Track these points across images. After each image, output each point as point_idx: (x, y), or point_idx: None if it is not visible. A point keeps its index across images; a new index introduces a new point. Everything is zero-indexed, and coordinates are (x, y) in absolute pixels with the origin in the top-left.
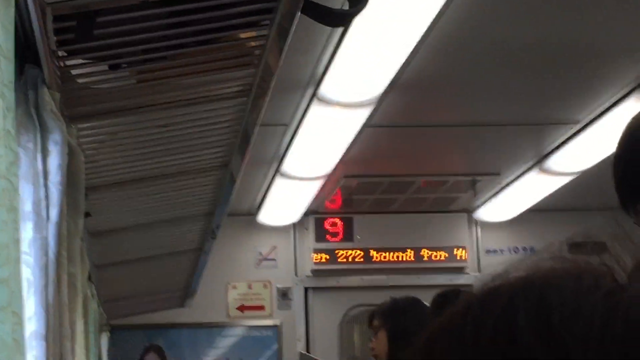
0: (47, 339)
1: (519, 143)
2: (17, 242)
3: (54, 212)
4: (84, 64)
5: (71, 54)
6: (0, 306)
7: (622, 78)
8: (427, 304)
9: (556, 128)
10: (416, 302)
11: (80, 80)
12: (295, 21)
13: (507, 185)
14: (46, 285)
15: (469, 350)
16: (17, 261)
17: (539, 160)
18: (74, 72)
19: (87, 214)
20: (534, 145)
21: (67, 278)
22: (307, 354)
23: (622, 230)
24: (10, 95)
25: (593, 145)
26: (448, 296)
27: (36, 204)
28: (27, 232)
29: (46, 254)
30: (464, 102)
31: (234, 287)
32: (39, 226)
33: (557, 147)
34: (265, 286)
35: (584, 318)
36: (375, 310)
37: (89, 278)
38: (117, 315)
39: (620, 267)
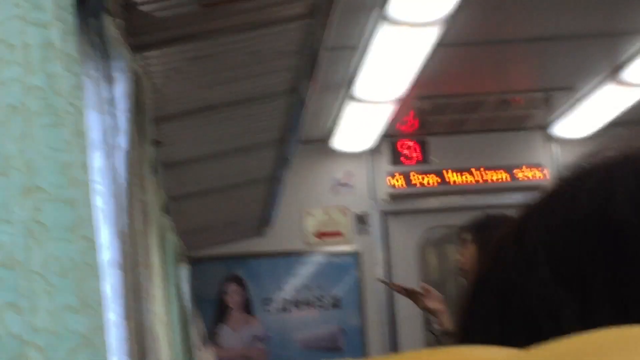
0: (123, 267)
1: (592, 55)
2: (84, 165)
3: (122, 140)
4: None
5: None
6: (67, 226)
7: None
8: None
9: (630, 37)
10: (507, 219)
11: (142, 8)
12: None
13: (582, 99)
14: (119, 213)
15: (562, 226)
16: (85, 185)
17: (614, 72)
18: None
19: (157, 142)
20: (607, 56)
21: (141, 207)
22: (384, 280)
23: None
24: (70, 19)
25: None
26: None
27: (104, 132)
28: (96, 160)
29: (117, 181)
30: (533, 16)
31: (311, 214)
32: (109, 154)
33: (632, 58)
34: (342, 212)
35: None
36: (466, 224)
37: (166, 210)
38: (196, 246)
39: None
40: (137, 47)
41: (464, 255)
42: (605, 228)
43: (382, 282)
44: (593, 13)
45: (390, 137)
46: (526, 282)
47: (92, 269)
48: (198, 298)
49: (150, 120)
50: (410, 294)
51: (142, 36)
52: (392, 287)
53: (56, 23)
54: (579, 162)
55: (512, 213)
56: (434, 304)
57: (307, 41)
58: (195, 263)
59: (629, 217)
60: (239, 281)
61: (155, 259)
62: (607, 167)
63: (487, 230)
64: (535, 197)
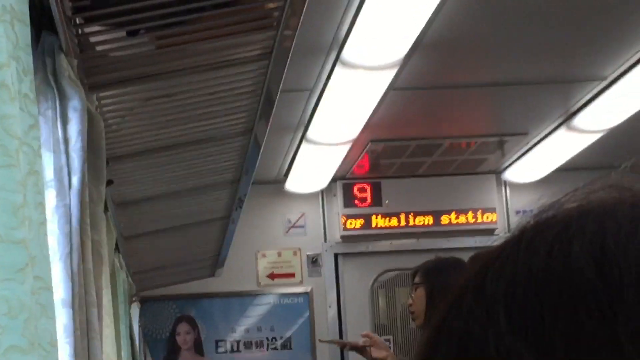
0: (73, 306)
1: (545, 101)
2: (39, 205)
3: (75, 179)
4: (102, 30)
5: (88, 21)
6: (18, 268)
7: None
8: None
9: (583, 85)
10: (459, 263)
11: (98, 48)
12: None
13: (535, 144)
14: (70, 253)
15: (521, 276)
16: (38, 225)
17: (567, 119)
18: (91, 39)
19: (109, 182)
20: (560, 103)
21: (92, 245)
22: (326, 339)
23: None
24: (27, 59)
25: (621, 101)
26: None
27: (57, 172)
28: (49, 199)
29: (69, 221)
30: (488, 62)
31: (264, 255)
32: (61, 194)
33: (585, 105)
34: (295, 253)
35: (639, 244)
36: (418, 268)
37: (117, 249)
38: (148, 286)
39: None
40: (92, 86)
41: (414, 298)
42: (564, 280)
43: (326, 342)
44: (547, 60)
45: (344, 179)
46: (485, 332)
47: (44, 309)
48: (149, 338)
49: (104, 160)
50: (355, 348)
51: (97, 76)
52: (337, 345)
53: (12, 63)
54: (537, 213)
55: (463, 256)
56: (380, 352)
57: (264, 83)
58: (147, 302)
59: (586, 271)
60: (190, 321)
61: (106, 298)
62: (566, 219)
63: (438, 274)
64: (495, 246)
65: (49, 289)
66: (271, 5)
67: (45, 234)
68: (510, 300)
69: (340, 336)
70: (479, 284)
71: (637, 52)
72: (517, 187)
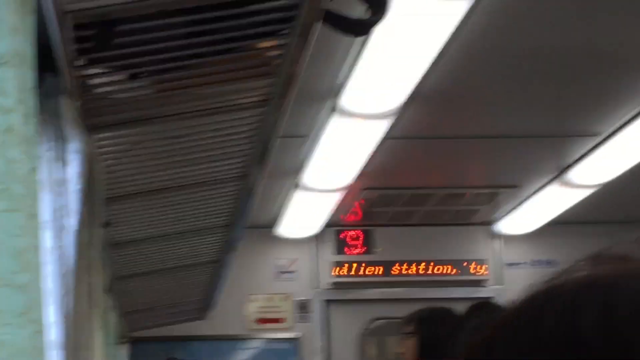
0: (65, 348)
1: (539, 155)
2: (36, 248)
3: (72, 221)
4: (104, 73)
5: (91, 63)
6: (19, 312)
7: None
8: None
9: (577, 140)
10: (449, 313)
11: (99, 90)
12: (316, 31)
13: (528, 197)
14: (65, 295)
15: (528, 347)
16: (37, 268)
17: (560, 173)
18: (93, 81)
19: (106, 224)
20: (554, 157)
21: (86, 288)
22: None
23: None
24: (31, 102)
25: (615, 157)
26: (482, 308)
27: (55, 213)
28: (46, 240)
29: (65, 263)
30: (483, 114)
31: (253, 300)
32: (58, 235)
33: (578, 160)
34: (284, 299)
35: None
36: (410, 316)
37: (109, 289)
38: (137, 327)
39: None
40: (91, 128)
41: (405, 347)
42: (571, 350)
43: None
44: (542, 114)
45: (336, 226)
46: None
47: (39, 352)
48: None
49: (101, 202)
50: None
51: (96, 118)
52: None
53: (18, 107)
54: (547, 280)
55: (454, 307)
56: None
57: (261, 129)
58: (136, 344)
59: (593, 341)
60: None
61: (98, 340)
62: (574, 289)
63: (430, 324)
64: (504, 311)
65: (43, 332)
66: (272, 52)
67: (41, 278)
68: None
69: None
70: (488, 349)
71: (631, 110)
72: (509, 239)
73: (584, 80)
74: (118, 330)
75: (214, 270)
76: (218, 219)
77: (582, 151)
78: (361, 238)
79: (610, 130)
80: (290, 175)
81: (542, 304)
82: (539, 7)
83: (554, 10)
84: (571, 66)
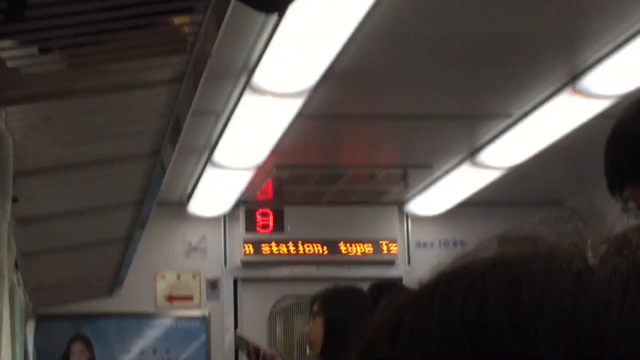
0: None
1: (450, 136)
2: None
3: None
4: (14, 46)
5: (0, 36)
6: None
7: (555, 72)
8: None
9: (488, 121)
10: (358, 293)
11: (9, 64)
12: (230, 7)
13: (439, 178)
14: None
15: (435, 328)
16: None
17: (471, 154)
18: (3, 55)
19: (14, 199)
20: (466, 138)
21: None
22: (242, 336)
23: (594, 212)
24: None
25: (525, 139)
26: (383, 288)
27: None
28: None
29: None
30: (396, 94)
31: (163, 277)
32: None
33: (489, 141)
34: (194, 276)
35: (554, 298)
36: (316, 296)
37: (16, 265)
38: (44, 303)
39: (592, 249)
40: (1, 102)
41: (312, 327)
42: (478, 333)
43: (239, 339)
44: (453, 95)
45: (247, 204)
46: None
47: None
48: (43, 356)
49: (10, 177)
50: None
51: (6, 92)
52: (251, 348)
53: None
54: (453, 261)
55: (363, 286)
56: None
57: (173, 106)
58: (43, 320)
59: (501, 324)
60: (85, 341)
61: (5, 316)
62: (481, 269)
63: (337, 304)
64: (408, 292)
65: None
66: (186, 29)
67: None
68: (426, 349)
69: None
70: (393, 331)
71: (541, 92)
72: (419, 219)
73: (495, 62)
74: (25, 306)
75: (124, 246)
76: (129, 196)
77: (493, 132)
78: (272, 217)
79: (521, 112)
80: (202, 152)
81: (449, 284)
82: None
83: None
84: (482, 48)
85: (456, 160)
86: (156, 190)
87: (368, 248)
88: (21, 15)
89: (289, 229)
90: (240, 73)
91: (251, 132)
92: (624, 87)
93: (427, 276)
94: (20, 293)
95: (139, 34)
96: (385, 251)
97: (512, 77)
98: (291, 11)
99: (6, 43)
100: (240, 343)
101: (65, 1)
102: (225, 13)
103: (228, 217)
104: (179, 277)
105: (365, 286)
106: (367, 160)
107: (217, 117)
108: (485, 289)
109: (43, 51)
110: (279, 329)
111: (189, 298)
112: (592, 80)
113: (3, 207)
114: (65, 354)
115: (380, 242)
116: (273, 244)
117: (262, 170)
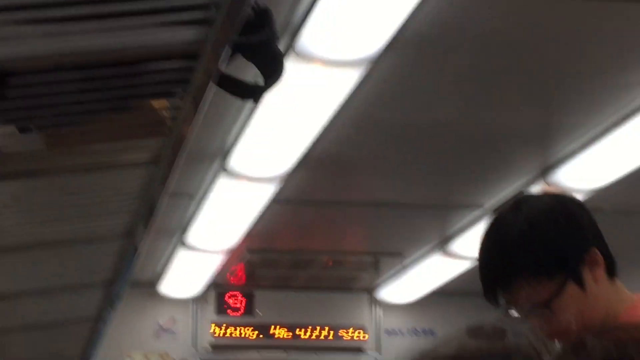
0: None
1: (422, 225)
2: None
3: None
4: None
5: None
6: None
7: (528, 165)
8: None
9: (460, 211)
10: None
11: None
12: (210, 93)
13: (410, 266)
14: None
15: None
16: None
17: (442, 243)
18: None
19: None
20: (437, 227)
21: None
22: None
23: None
24: None
25: None
26: None
27: None
28: None
29: None
30: (369, 182)
31: (131, 357)
32: None
33: (461, 231)
34: (162, 358)
35: None
36: None
37: None
38: None
39: (547, 349)
40: None
41: None
42: None
43: None
44: (425, 184)
45: (218, 287)
46: None
47: None
48: None
49: None
50: None
51: None
52: None
53: None
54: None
55: None
56: None
57: (149, 187)
58: None
59: None
60: None
61: None
62: None
63: None
64: None
65: None
66: (165, 113)
67: None
68: None
69: None
70: None
71: (513, 183)
72: (389, 307)
73: (469, 154)
74: None
75: (93, 326)
76: (100, 275)
77: (465, 223)
78: (242, 300)
79: (493, 203)
80: (175, 233)
81: None
82: (427, 83)
83: (441, 85)
84: (456, 139)
85: (427, 248)
86: (128, 271)
87: (337, 334)
88: (1, 94)
89: (259, 312)
90: (215, 156)
91: (225, 216)
92: (596, 182)
93: None
94: None
95: (118, 116)
96: (354, 338)
97: (485, 168)
98: (268, 97)
99: None
100: None
101: (46, 82)
102: (204, 98)
103: (199, 299)
104: (146, 358)
105: None
106: (338, 247)
107: (191, 199)
108: None
109: (22, 130)
110: None
111: None
112: (564, 173)
113: None
114: None
115: (350, 328)
116: (243, 327)
117: (234, 254)
